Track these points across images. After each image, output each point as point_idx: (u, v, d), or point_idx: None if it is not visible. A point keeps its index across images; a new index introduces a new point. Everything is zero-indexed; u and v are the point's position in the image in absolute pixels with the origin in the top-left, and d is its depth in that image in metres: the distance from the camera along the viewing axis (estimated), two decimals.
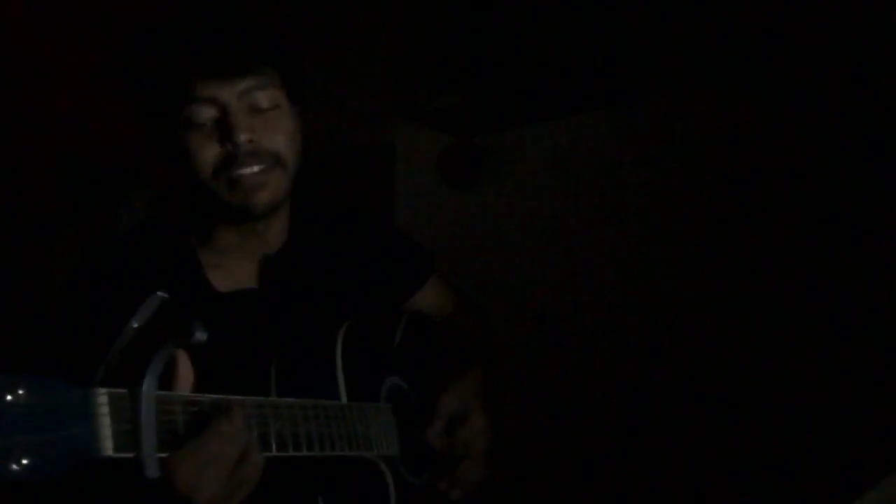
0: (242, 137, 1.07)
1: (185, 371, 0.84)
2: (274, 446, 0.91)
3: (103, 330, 0.85)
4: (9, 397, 0.64)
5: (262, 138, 1.10)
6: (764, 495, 1.92)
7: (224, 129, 1.08)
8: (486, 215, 2.60)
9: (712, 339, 2.10)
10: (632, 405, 2.21)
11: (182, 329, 0.77)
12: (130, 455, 0.73)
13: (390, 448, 1.14)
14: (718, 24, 2.07)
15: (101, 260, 1.18)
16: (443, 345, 1.38)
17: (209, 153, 1.08)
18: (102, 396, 0.72)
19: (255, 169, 1.09)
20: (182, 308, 0.81)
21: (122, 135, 2.75)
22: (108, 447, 0.71)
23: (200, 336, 0.77)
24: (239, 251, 1.18)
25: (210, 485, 0.80)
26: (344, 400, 1.08)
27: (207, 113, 1.08)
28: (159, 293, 0.82)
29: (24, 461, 0.64)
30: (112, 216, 3.17)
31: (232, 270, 1.18)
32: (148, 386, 0.75)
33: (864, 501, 0.96)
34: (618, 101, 2.32)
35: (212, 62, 1.08)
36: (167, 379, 0.82)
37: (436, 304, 1.44)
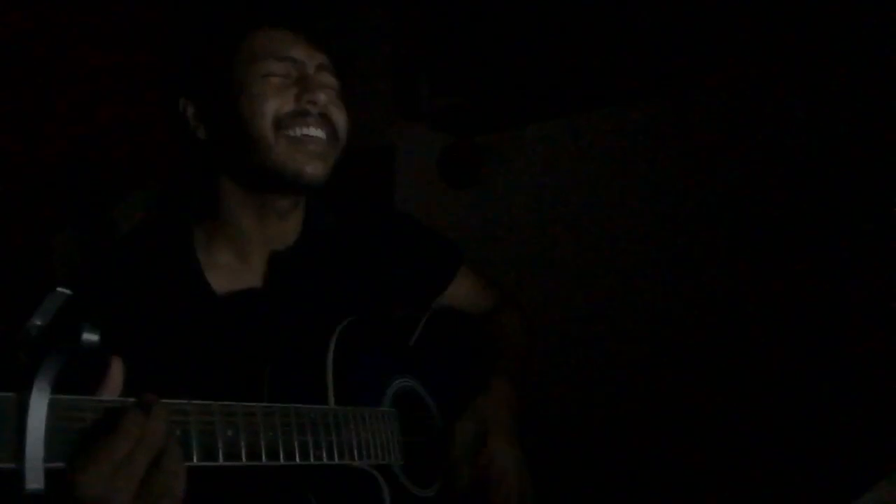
0: (322, 97, 1.09)
1: (116, 376, 0.77)
2: (221, 456, 0.81)
3: None
4: None
5: (331, 109, 1.11)
6: (764, 495, 1.92)
7: (303, 85, 1.09)
8: (486, 215, 2.59)
9: (713, 339, 2.10)
10: (632, 405, 2.21)
11: (73, 331, 0.69)
12: (11, 466, 0.65)
13: (389, 457, 1.05)
14: (719, 26, 2.07)
15: (97, 264, 1.14)
16: (468, 343, 1.30)
17: (279, 102, 1.08)
18: None
19: (321, 134, 1.09)
20: (87, 306, 0.73)
21: (122, 135, 2.75)
22: None
23: (90, 338, 0.69)
24: (251, 244, 1.14)
25: (121, 496, 0.72)
26: (331, 404, 1.00)
27: (286, 69, 1.10)
28: (60, 289, 0.73)
29: None
30: (112, 216, 3.17)
31: (237, 268, 1.14)
32: (37, 391, 0.67)
33: (864, 501, 0.95)
34: (618, 101, 2.32)
35: (303, 25, 1.11)
36: (95, 384, 0.77)
37: (468, 301, 1.38)
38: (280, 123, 1.07)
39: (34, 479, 0.66)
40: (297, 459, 0.90)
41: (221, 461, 0.81)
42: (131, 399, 0.77)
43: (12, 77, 2.45)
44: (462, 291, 1.37)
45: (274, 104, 1.07)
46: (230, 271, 1.13)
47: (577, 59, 2.23)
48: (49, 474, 0.68)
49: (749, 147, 2.10)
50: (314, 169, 1.09)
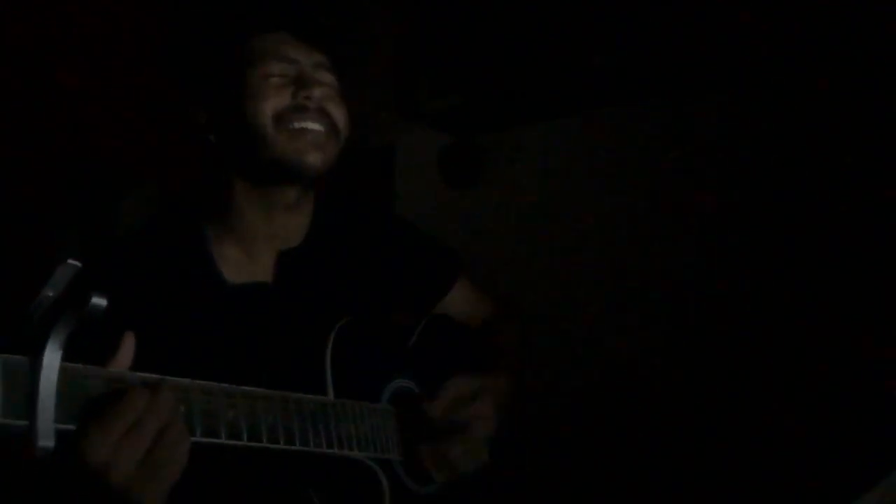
0: (318, 93, 1.14)
1: (127, 351, 0.80)
2: (224, 434, 0.84)
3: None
4: None
5: (329, 104, 1.16)
6: (764, 495, 1.92)
7: (300, 82, 1.14)
8: (486, 215, 2.60)
9: (712, 339, 2.10)
10: (631, 406, 2.21)
11: (82, 297, 0.72)
12: (23, 423, 0.68)
13: (387, 451, 1.08)
14: (720, 27, 2.07)
15: (109, 250, 1.18)
16: (466, 348, 1.33)
17: (277, 100, 1.12)
18: None
19: (320, 127, 1.14)
20: (97, 276, 0.76)
21: (122, 135, 2.75)
22: None
23: (98, 303, 0.72)
24: (260, 240, 1.18)
25: (126, 462, 0.74)
26: (331, 397, 1.03)
27: (284, 69, 1.15)
28: (70, 261, 0.75)
29: None
30: (112, 216, 3.17)
31: (246, 263, 1.17)
32: (49, 353, 0.70)
33: (864, 501, 0.96)
34: (618, 101, 2.32)
35: (302, 26, 1.16)
36: (105, 357, 0.79)
37: (466, 308, 1.41)
38: (279, 119, 1.12)
39: (45, 437, 0.69)
40: (297, 444, 0.93)
41: (224, 439, 0.84)
42: (140, 374, 0.80)
43: (14, 77, 2.45)
44: (460, 299, 1.41)
45: (272, 102, 1.12)
46: (240, 263, 1.17)
47: (577, 59, 2.23)
48: (59, 436, 0.70)
49: (750, 147, 2.11)
50: (313, 158, 1.13)
